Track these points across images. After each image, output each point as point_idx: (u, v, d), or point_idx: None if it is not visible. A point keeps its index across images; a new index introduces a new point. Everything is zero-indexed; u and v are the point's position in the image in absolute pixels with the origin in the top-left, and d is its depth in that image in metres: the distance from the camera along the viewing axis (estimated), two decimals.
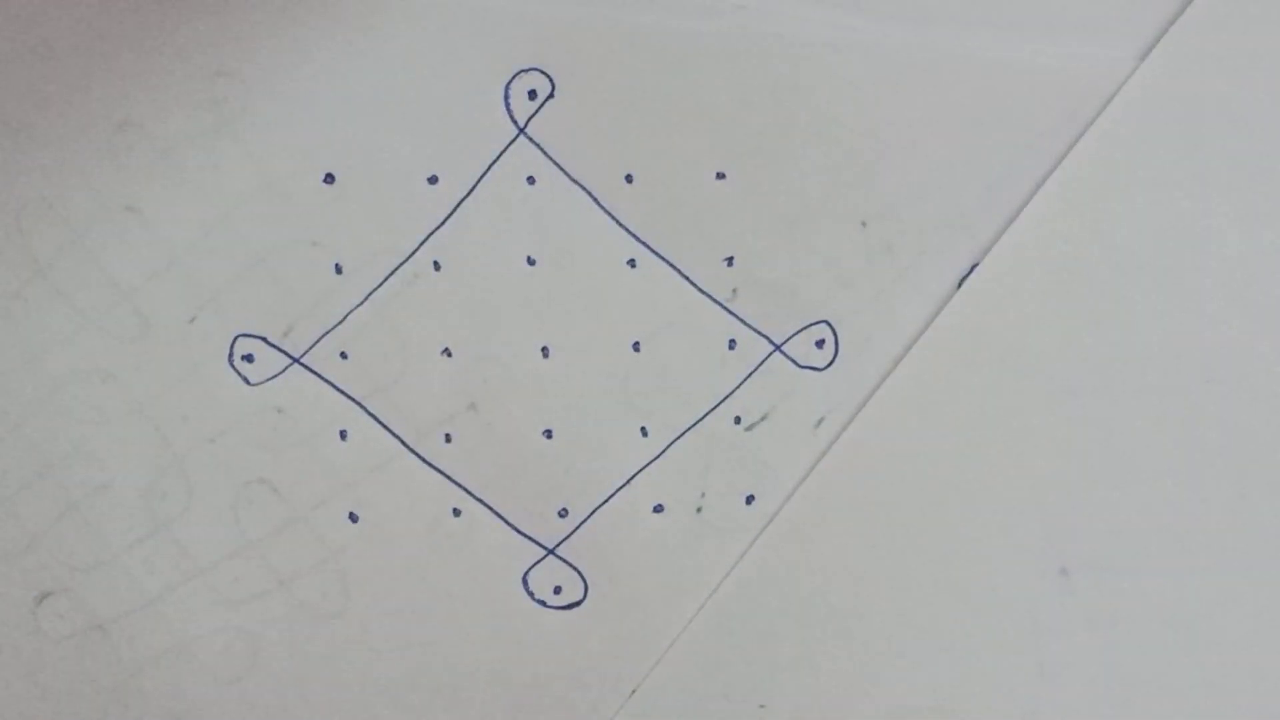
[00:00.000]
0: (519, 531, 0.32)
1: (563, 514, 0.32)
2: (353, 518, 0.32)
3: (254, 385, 0.31)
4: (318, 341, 0.31)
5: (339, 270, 0.31)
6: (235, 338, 0.31)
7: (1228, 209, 0.32)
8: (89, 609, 0.31)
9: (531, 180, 0.31)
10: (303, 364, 0.31)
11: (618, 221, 0.31)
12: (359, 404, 0.31)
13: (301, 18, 0.30)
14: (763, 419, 0.32)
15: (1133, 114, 0.32)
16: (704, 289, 0.32)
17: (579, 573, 0.32)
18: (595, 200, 0.31)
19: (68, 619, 0.31)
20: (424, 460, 0.32)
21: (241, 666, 0.32)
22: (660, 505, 0.32)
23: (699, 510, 0.32)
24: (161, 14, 0.29)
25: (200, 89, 0.29)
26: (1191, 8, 0.31)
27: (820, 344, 0.32)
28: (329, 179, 0.30)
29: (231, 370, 0.31)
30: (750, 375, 0.32)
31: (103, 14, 0.29)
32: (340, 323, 0.31)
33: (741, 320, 0.32)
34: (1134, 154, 0.32)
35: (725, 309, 0.32)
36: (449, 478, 0.32)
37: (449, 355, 0.31)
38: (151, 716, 0.32)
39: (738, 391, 0.32)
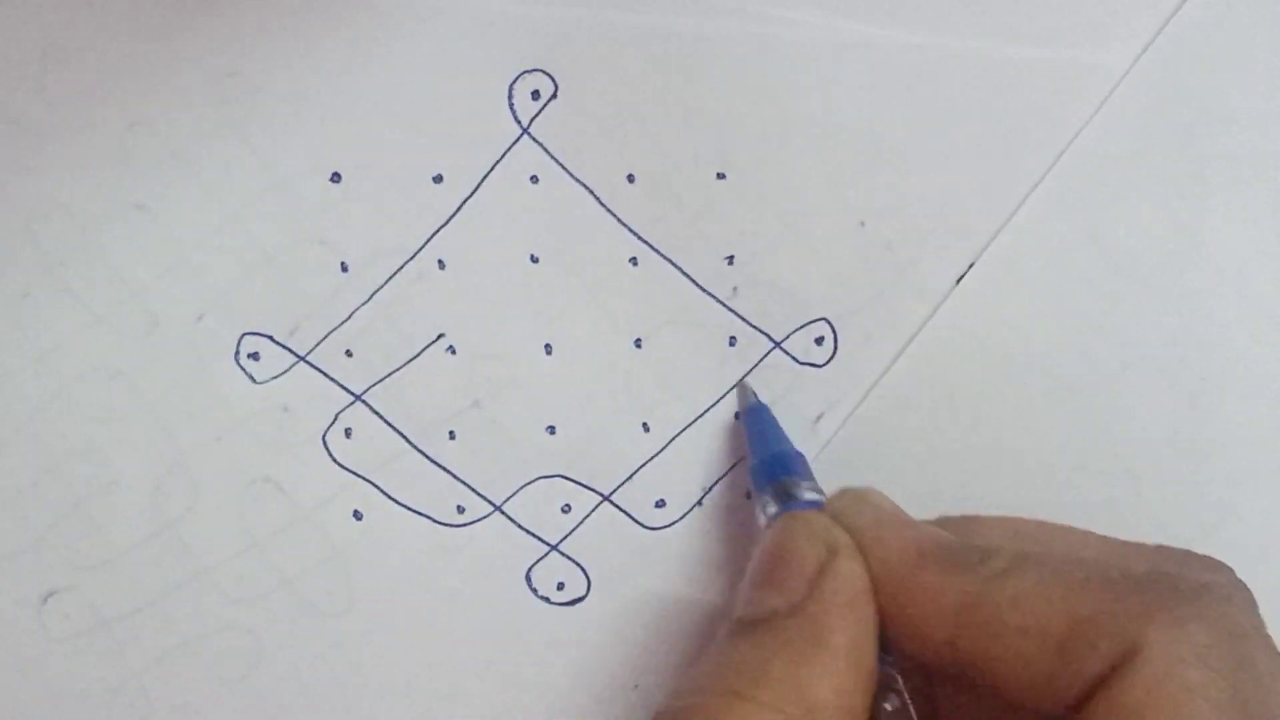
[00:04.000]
0: (522, 528, 0.32)
1: (565, 510, 0.32)
2: (357, 516, 0.32)
3: (260, 383, 0.31)
4: (323, 339, 0.31)
5: (345, 268, 0.31)
6: (242, 336, 0.31)
7: (1224, 208, 0.33)
8: (94, 608, 0.32)
9: (535, 179, 0.31)
10: (308, 362, 0.31)
11: (619, 220, 0.32)
12: (363, 401, 0.32)
13: (309, 20, 0.30)
14: None
15: (1129, 113, 0.32)
16: (704, 287, 0.32)
17: (582, 569, 0.32)
18: (597, 199, 0.31)
19: (73, 618, 0.32)
20: (428, 457, 0.32)
21: (246, 665, 0.32)
22: (662, 500, 0.32)
23: (700, 504, 0.32)
24: (171, 16, 0.30)
25: (210, 89, 0.30)
26: (1186, 7, 0.32)
27: (819, 341, 0.32)
28: (335, 178, 0.31)
29: (238, 368, 0.31)
30: (750, 371, 0.32)
31: (113, 15, 0.29)
32: (346, 320, 0.31)
33: (741, 318, 0.32)
34: (1130, 153, 0.32)
35: (725, 306, 0.32)
36: (453, 474, 0.32)
37: (453, 352, 0.32)
38: (156, 715, 0.32)
39: (738, 387, 0.32)
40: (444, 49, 0.30)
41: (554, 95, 0.31)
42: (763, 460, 0.30)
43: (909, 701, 0.25)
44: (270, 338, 0.31)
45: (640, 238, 0.32)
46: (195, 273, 0.31)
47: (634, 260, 0.32)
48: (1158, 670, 0.21)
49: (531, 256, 0.32)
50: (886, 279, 0.32)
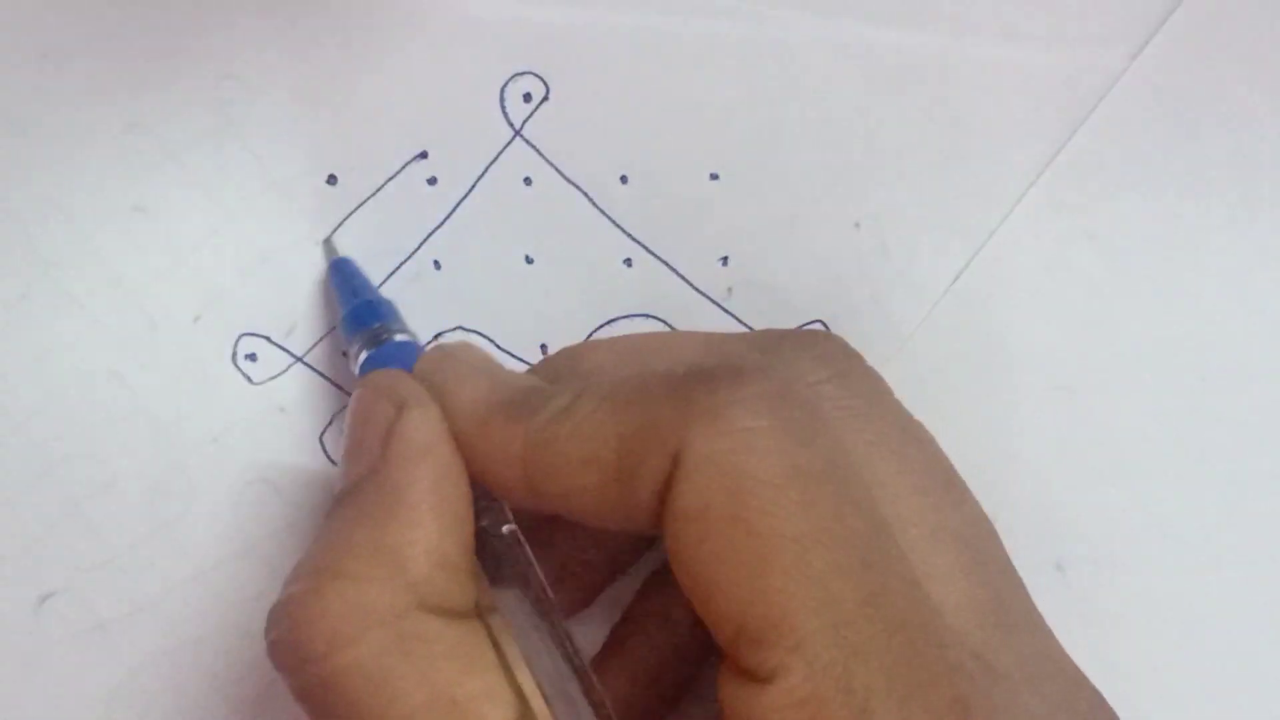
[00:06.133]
0: None
1: None
2: None
3: (257, 384, 0.31)
4: (320, 340, 0.31)
5: None
6: (239, 337, 0.31)
7: (1220, 207, 0.33)
8: (91, 609, 0.32)
9: (528, 181, 0.31)
10: (305, 363, 0.31)
11: (613, 221, 0.32)
12: None
13: (305, 24, 0.30)
14: None
15: (1126, 112, 0.32)
16: (699, 288, 0.32)
17: None
18: (591, 200, 0.32)
19: (69, 619, 0.32)
20: None
21: (244, 667, 0.32)
22: None
23: None
24: (169, 18, 0.30)
25: (207, 92, 0.30)
26: (1182, 7, 0.32)
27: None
28: (332, 180, 0.31)
29: (235, 369, 0.31)
30: None
31: (111, 17, 0.30)
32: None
33: (737, 319, 0.32)
34: (1127, 152, 0.32)
35: (721, 308, 0.32)
36: None
37: None
38: (153, 717, 0.32)
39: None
40: (436, 52, 0.31)
41: (546, 97, 0.31)
42: (351, 310, 0.29)
43: (510, 529, 0.24)
44: (267, 338, 0.31)
45: (634, 239, 0.32)
46: (193, 274, 0.31)
47: (628, 261, 0.32)
48: (706, 467, 0.20)
49: (526, 257, 0.32)
50: (882, 280, 0.32)
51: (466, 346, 0.26)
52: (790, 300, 0.32)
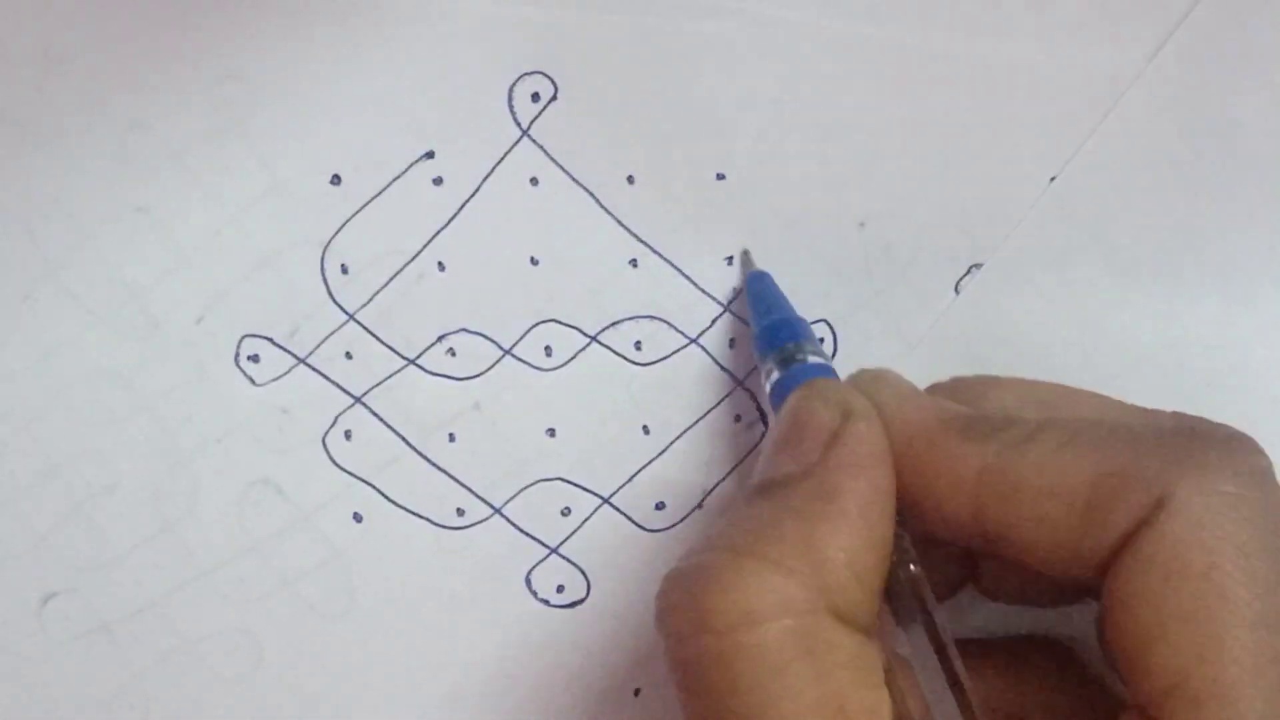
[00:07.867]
0: (522, 531, 0.32)
1: (565, 513, 0.32)
2: (357, 518, 0.32)
3: (259, 385, 0.31)
4: (323, 341, 0.31)
5: (345, 270, 0.31)
6: (242, 338, 0.31)
7: (1233, 213, 0.33)
8: (94, 610, 0.32)
9: (534, 181, 0.31)
10: (308, 364, 0.31)
11: (619, 222, 0.32)
12: (363, 404, 0.32)
13: (309, 22, 0.30)
14: (763, 417, 0.33)
15: (1134, 116, 0.32)
16: (705, 289, 0.32)
17: (582, 571, 0.32)
18: (597, 201, 0.31)
19: (73, 620, 0.32)
20: (428, 460, 0.32)
21: (246, 667, 0.32)
22: (662, 502, 0.32)
23: (700, 506, 0.32)
24: (172, 17, 0.30)
25: (209, 91, 0.30)
26: (1195, 12, 0.32)
27: (819, 342, 0.32)
28: (335, 180, 0.31)
29: (238, 370, 0.31)
30: (750, 373, 0.32)
31: (113, 16, 0.29)
32: (345, 323, 0.31)
33: (741, 319, 0.32)
34: (1135, 155, 0.32)
35: (727, 309, 0.32)
36: (453, 477, 0.32)
37: (453, 354, 0.32)
38: (155, 718, 0.32)
39: (738, 390, 0.32)
40: (444, 51, 0.30)
41: (554, 97, 0.31)
42: (765, 327, 0.29)
43: (918, 570, 0.24)
44: (270, 340, 0.31)
45: (640, 239, 0.32)
46: (195, 274, 0.31)
47: (634, 261, 0.32)
48: (1189, 519, 0.21)
49: (531, 258, 0.32)
50: (886, 280, 0.32)
51: (895, 373, 0.27)
52: (795, 300, 0.32)
